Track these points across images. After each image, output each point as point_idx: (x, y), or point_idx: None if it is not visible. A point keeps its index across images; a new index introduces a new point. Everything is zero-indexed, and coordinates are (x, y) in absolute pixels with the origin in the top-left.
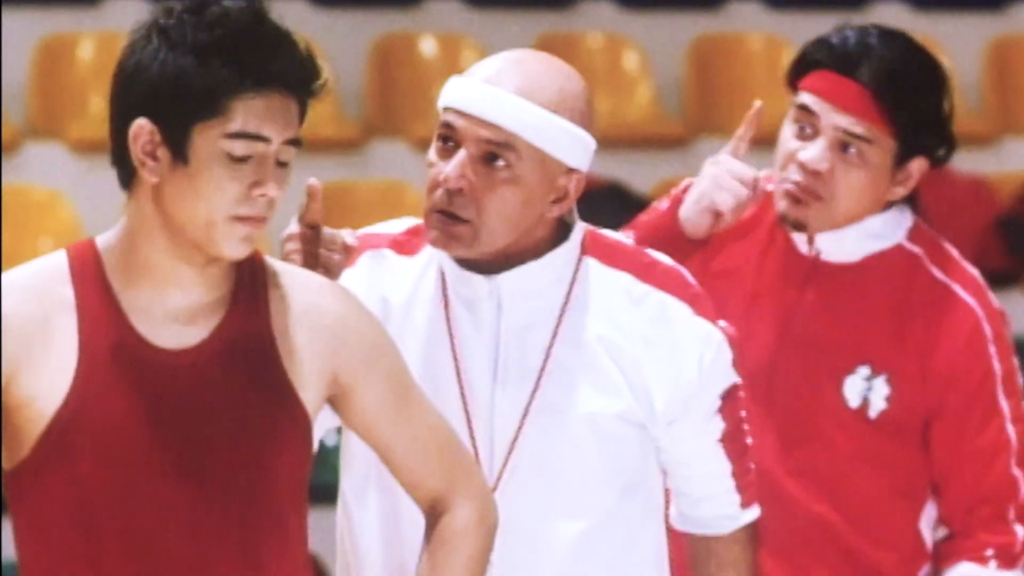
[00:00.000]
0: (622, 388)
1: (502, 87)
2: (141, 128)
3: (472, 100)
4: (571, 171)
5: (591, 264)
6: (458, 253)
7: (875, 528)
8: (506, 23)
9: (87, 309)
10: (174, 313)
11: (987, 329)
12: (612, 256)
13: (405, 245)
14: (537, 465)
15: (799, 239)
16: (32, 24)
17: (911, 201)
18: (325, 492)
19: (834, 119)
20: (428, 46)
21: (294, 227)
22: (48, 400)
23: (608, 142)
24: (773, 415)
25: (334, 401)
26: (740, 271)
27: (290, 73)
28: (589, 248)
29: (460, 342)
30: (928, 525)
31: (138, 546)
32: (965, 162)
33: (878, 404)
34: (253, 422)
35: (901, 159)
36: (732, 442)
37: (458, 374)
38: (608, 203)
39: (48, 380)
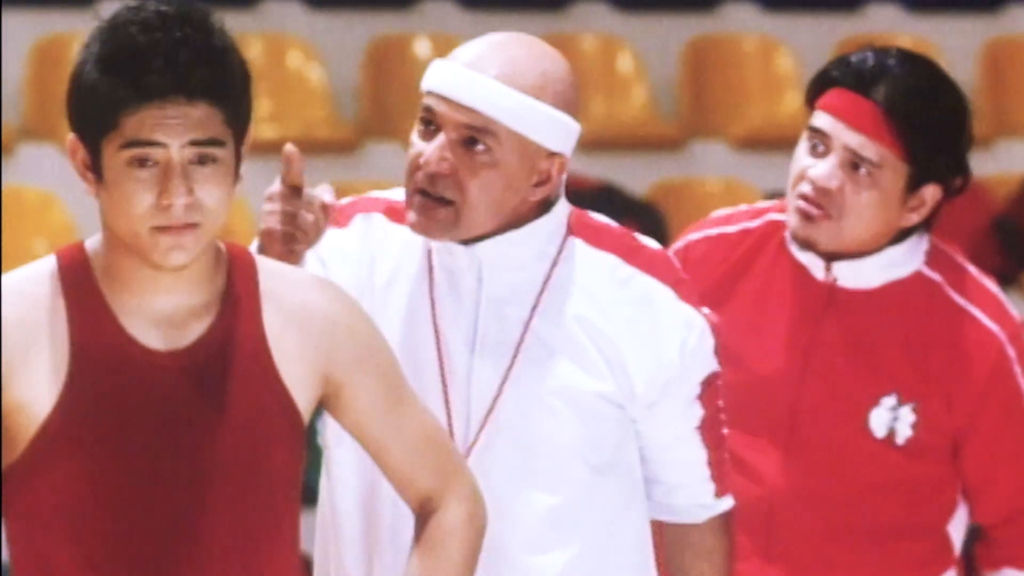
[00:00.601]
0: (601, 368)
1: (483, 72)
2: (72, 143)
3: (452, 84)
4: (553, 155)
5: (576, 244)
6: (439, 237)
7: (898, 534)
8: (501, 24)
9: (77, 313)
10: (164, 315)
11: (1011, 352)
12: (598, 237)
13: (399, 213)
14: (512, 436)
15: (814, 267)
16: (28, 25)
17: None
18: (316, 493)
19: (845, 138)
20: (423, 47)
21: (276, 186)
22: (40, 404)
23: (602, 144)
24: (795, 450)
25: (326, 399)
26: (752, 310)
27: (173, 84)
28: (575, 229)
29: (440, 311)
30: (957, 529)
31: (131, 548)
32: None
33: (904, 432)
34: (246, 422)
35: (913, 185)
36: (709, 430)
37: (437, 342)
38: (602, 205)
39: (40, 384)
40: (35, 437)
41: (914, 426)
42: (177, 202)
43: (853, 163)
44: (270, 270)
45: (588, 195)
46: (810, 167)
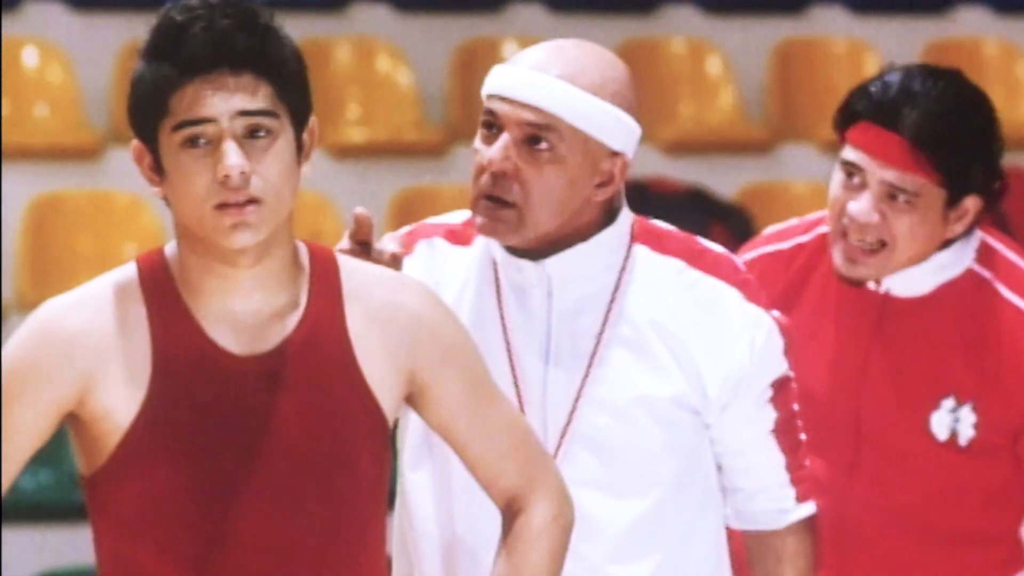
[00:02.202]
0: (674, 373)
1: (543, 72)
2: (136, 149)
3: (512, 85)
4: (615, 154)
5: (641, 251)
6: (505, 239)
7: (970, 539)
8: (588, 28)
9: (158, 319)
10: (245, 319)
11: None
12: (662, 243)
13: (460, 235)
14: (590, 448)
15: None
16: (114, 29)
17: (991, 210)
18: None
19: (879, 174)
20: (511, 50)
21: (345, 243)
22: (124, 411)
23: (691, 147)
24: (862, 461)
25: (412, 398)
26: (810, 324)
27: (214, 54)
28: (639, 236)
29: (512, 328)
30: None
31: (217, 552)
32: None
33: (966, 433)
34: (330, 425)
35: (952, 201)
36: (785, 434)
37: (510, 360)
38: (690, 208)
39: (123, 391)
40: (119, 444)
41: (976, 426)
42: (234, 172)
43: (891, 195)
44: (352, 269)
45: (677, 199)
46: (849, 202)
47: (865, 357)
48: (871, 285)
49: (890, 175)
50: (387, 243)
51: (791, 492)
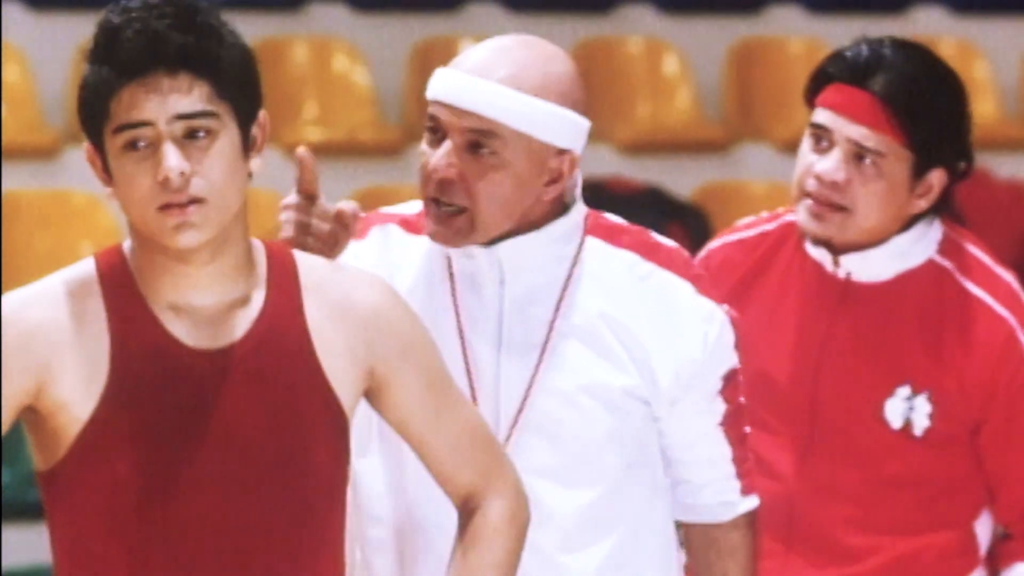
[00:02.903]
0: (626, 363)
1: (485, 76)
2: (89, 151)
3: (452, 91)
4: (563, 152)
5: (594, 243)
6: (460, 245)
7: (919, 528)
8: (546, 27)
9: (116, 313)
10: (203, 313)
11: (1022, 338)
12: (615, 235)
13: (414, 224)
14: (542, 436)
15: (826, 262)
16: (72, 29)
17: (948, 208)
18: None
19: (847, 131)
20: None
21: (292, 197)
22: (82, 404)
23: (648, 146)
24: (815, 446)
25: (369, 393)
26: (770, 309)
27: (148, 56)
28: (592, 229)
29: (465, 317)
30: (985, 529)
31: (175, 546)
32: (1004, 167)
33: (921, 422)
34: (289, 419)
35: (919, 171)
36: (732, 426)
37: (463, 349)
38: (647, 207)
39: (81, 385)
40: (77, 437)
41: (931, 416)
42: (172, 173)
43: (858, 155)
44: (311, 265)
45: (634, 198)
46: (815, 163)
47: (823, 341)
48: (832, 269)
49: (858, 132)
50: (342, 204)
51: (737, 485)
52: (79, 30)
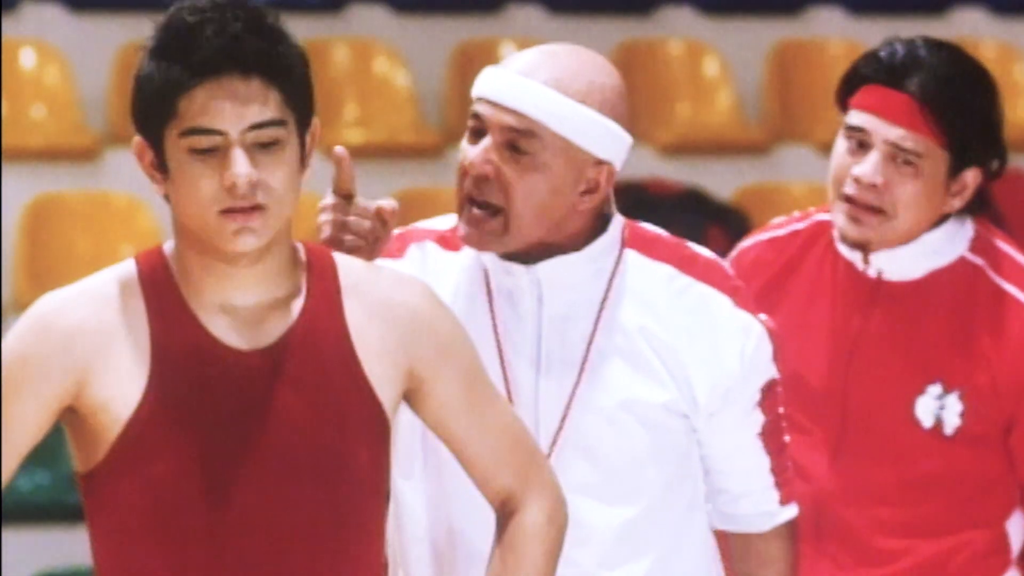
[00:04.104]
0: (665, 378)
1: (531, 77)
2: (138, 145)
3: (498, 88)
4: (601, 163)
5: (631, 256)
6: (489, 248)
7: (950, 528)
8: (586, 29)
9: (157, 314)
10: (244, 314)
11: None
12: (652, 248)
13: (450, 241)
14: (582, 453)
15: (857, 260)
16: (112, 31)
17: (987, 207)
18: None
19: (885, 133)
20: (508, 52)
21: (329, 198)
22: (123, 404)
23: (688, 148)
24: (846, 446)
25: (409, 395)
26: (802, 308)
27: (224, 57)
28: (629, 240)
29: (503, 334)
30: (1017, 528)
31: (216, 547)
32: None
33: (952, 421)
34: (330, 419)
35: (954, 170)
36: (771, 437)
37: (502, 365)
38: (688, 209)
39: (122, 385)
40: (118, 437)
41: (962, 415)
42: (241, 180)
43: (895, 157)
44: (350, 266)
45: (674, 200)
46: (852, 165)
47: (855, 340)
48: (863, 267)
49: (895, 134)
50: (382, 202)
51: (775, 495)
52: (120, 32)
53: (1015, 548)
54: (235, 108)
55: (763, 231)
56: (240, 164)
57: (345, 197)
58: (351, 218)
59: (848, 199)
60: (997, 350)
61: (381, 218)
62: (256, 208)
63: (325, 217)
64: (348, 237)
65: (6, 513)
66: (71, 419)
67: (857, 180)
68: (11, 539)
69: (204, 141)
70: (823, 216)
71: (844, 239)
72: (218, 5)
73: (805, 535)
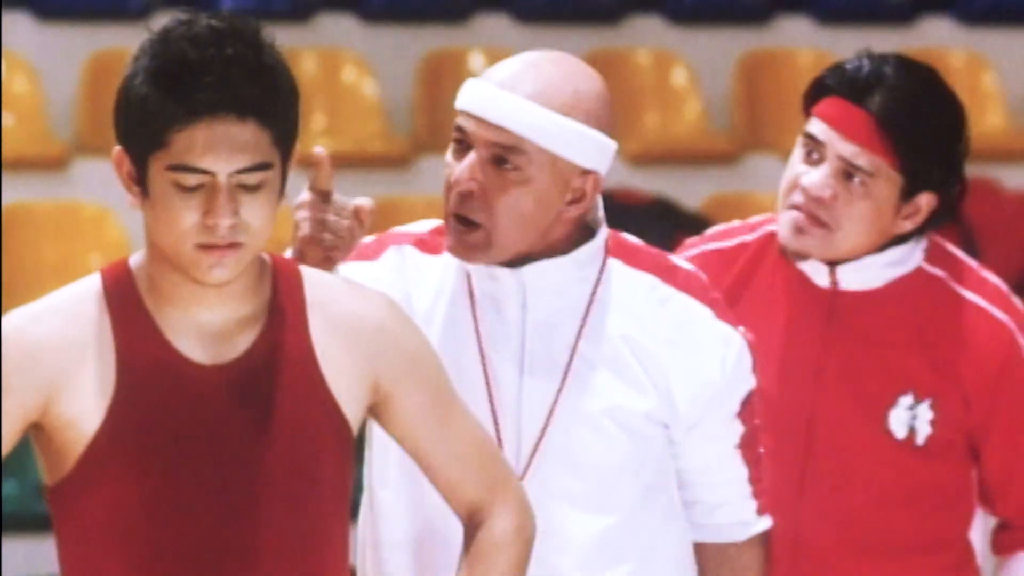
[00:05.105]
0: (647, 387)
1: (514, 90)
2: (118, 155)
3: (481, 103)
4: (587, 172)
5: (615, 265)
6: (474, 260)
7: (922, 543)
8: (555, 39)
9: (123, 329)
10: (209, 329)
11: (1021, 340)
12: (635, 258)
13: (429, 244)
14: (563, 460)
15: (816, 273)
16: (81, 40)
17: (957, 218)
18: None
19: (839, 147)
20: (477, 62)
21: (305, 195)
22: (89, 420)
23: (656, 158)
24: (815, 464)
25: (374, 409)
26: (757, 325)
27: (223, 101)
28: (613, 250)
29: (486, 338)
30: (979, 537)
31: (182, 563)
32: (1013, 178)
33: (924, 430)
34: (294, 435)
35: (908, 194)
36: (749, 447)
37: (484, 369)
38: (656, 219)
39: (88, 401)
40: (84, 453)
41: (933, 423)
42: (223, 223)
43: (847, 172)
44: (316, 280)
45: (642, 210)
46: (803, 175)
47: (818, 356)
48: (821, 280)
49: (849, 150)
50: (360, 200)
51: (753, 504)
52: (88, 41)
53: (979, 556)
54: (227, 151)
55: (708, 240)
56: (224, 209)
57: (322, 195)
58: (330, 216)
59: (794, 207)
60: (966, 357)
61: (358, 217)
62: (234, 246)
63: (303, 215)
64: (327, 235)
65: None
66: (37, 434)
67: (805, 191)
68: None
69: (191, 179)
70: (772, 227)
71: (785, 248)
72: (217, 34)
73: (780, 563)
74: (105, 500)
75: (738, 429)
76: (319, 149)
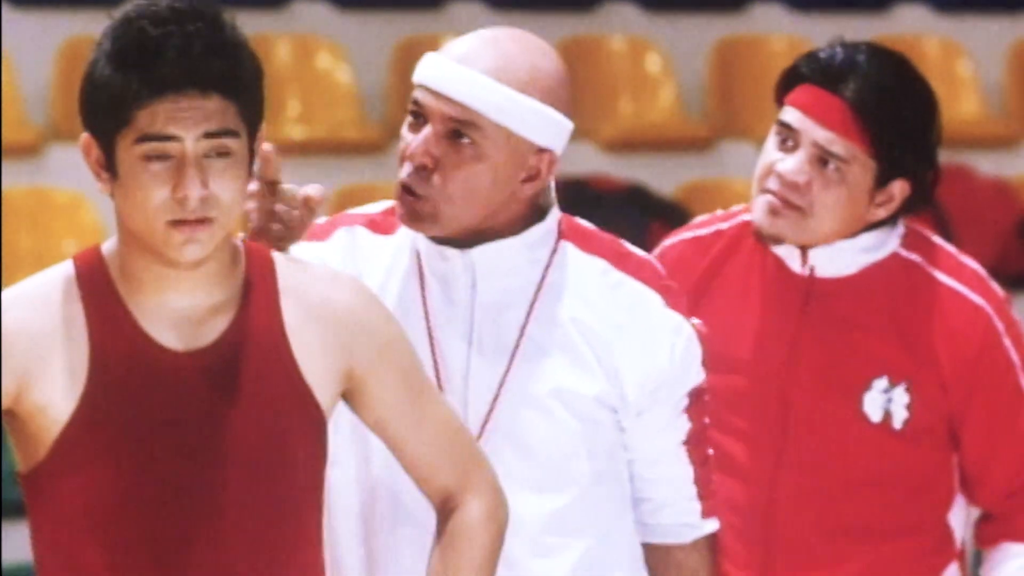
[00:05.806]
0: (596, 371)
1: (472, 65)
2: (86, 142)
3: (438, 78)
4: (542, 150)
5: (568, 248)
6: (424, 231)
7: (899, 527)
8: (529, 25)
9: (95, 315)
10: (182, 315)
11: (998, 324)
12: (588, 242)
13: (381, 224)
14: (510, 441)
15: (790, 258)
16: (55, 26)
17: (932, 204)
18: None
19: (814, 134)
20: None
21: (253, 185)
22: (62, 406)
23: (630, 145)
24: (791, 448)
25: (347, 395)
26: (732, 310)
27: (186, 76)
28: (566, 233)
29: (435, 318)
30: (959, 520)
31: (155, 547)
32: (987, 164)
33: (900, 414)
34: (267, 420)
35: (882, 180)
36: (696, 447)
37: (432, 349)
38: (630, 206)
39: (61, 387)
40: (57, 439)
41: (909, 407)
42: (192, 194)
43: (821, 159)
44: (288, 266)
45: (616, 196)
46: (778, 161)
47: (793, 341)
48: (796, 266)
49: (824, 136)
50: (309, 188)
51: (698, 507)
52: (62, 27)
53: (958, 540)
54: (191, 117)
55: (686, 229)
56: (193, 180)
57: (270, 184)
58: (279, 207)
59: (769, 192)
60: (943, 342)
61: (308, 206)
62: (205, 220)
63: (251, 205)
64: (276, 226)
65: None
66: (11, 421)
67: (780, 176)
68: None
69: (159, 148)
70: (748, 216)
71: (760, 232)
72: (178, 13)
73: (754, 543)
74: (79, 486)
75: (685, 425)
76: (267, 147)
